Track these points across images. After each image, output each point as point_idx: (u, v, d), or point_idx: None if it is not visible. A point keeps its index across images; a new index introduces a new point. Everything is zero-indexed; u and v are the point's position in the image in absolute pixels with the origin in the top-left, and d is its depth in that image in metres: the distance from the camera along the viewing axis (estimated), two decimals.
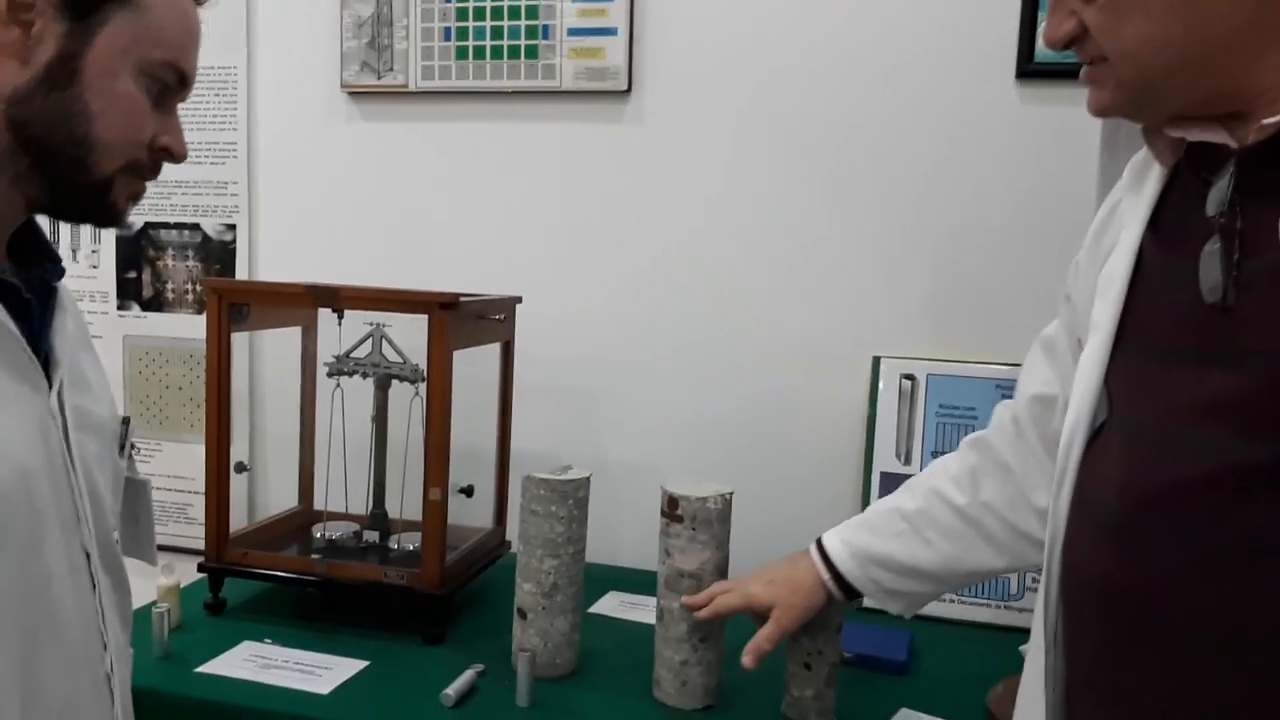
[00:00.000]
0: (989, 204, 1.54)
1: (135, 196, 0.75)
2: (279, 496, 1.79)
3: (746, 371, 1.64)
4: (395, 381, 1.45)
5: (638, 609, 1.47)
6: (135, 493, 0.85)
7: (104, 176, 0.70)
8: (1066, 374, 0.85)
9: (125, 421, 0.82)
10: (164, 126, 0.73)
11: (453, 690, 1.13)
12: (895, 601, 1.09)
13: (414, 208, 1.75)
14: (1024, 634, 1.48)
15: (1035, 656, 0.79)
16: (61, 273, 0.77)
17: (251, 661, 1.22)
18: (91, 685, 0.73)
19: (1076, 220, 1.51)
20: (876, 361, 1.58)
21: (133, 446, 0.85)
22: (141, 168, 0.73)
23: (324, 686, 1.17)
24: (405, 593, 1.30)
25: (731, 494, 1.17)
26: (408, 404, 1.43)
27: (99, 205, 0.72)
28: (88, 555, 0.73)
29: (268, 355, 1.85)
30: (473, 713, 1.12)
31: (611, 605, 1.48)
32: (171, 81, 0.73)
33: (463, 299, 1.28)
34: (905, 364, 1.57)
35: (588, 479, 1.23)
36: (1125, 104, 0.71)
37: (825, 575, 1.08)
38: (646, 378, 1.68)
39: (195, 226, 1.87)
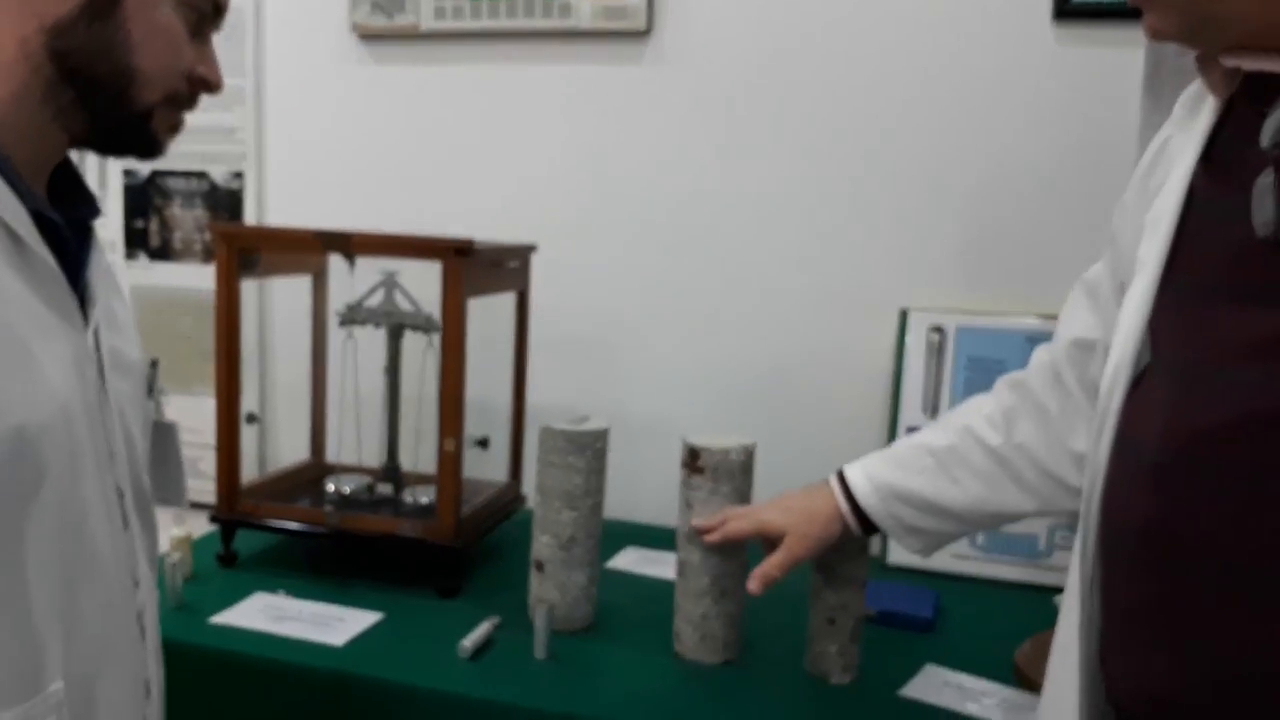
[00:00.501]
0: (1022, 150, 1.48)
1: (174, 128, 0.75)
2: (290, 449, 1.77)
3: (769, 324, 1.60)
4: (408, 331, 1.41)
5: (656, 565, 1.44)
6: (164, 436, 0.87)
7: (145, 107, 0.70)
8: (1109, 318, 0.81)
9: (153, 364, 0.83)
10: (201, 57, 0.73)
11: (469, 642, 1.11)
12: (914, 539, 1.04)
13: (426, 154, 1.71)
14: (1052, 592, 1.47)
15: (1070, 607, 0.76)
16: (98, 213, 0.77)
17: (265, 613, 1.20)
18: (125, 623, 0.74)
19: (1114, 166, 1.46)
20: (904, 314, 1.53)
21: (161, 390, 0.85)
22: (180, 99, 0.73)
23: (338, 638, 1.14)
24: (419, 546, 1.27)
25: (754, 446, 1.13)
26: (420, 355, 1.40)
27: (141, 137, 0.72)
28: (121, 495, 0.73)
29: (276, 305, 1.82)
30: (489, 665, 1.10)
31: (630, 560, 1.46)
32: (208, 10, 0.73)
33: (477, 245, 1.24)
34: (934, 316, 1.52)
35: (606, 431, 1.20)
36: (1182, 30, 0.67)
37: (844, 506, 1.04)
38: (665, 329, 1.64)
39: (203, 175, 1.83)
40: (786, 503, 1.08)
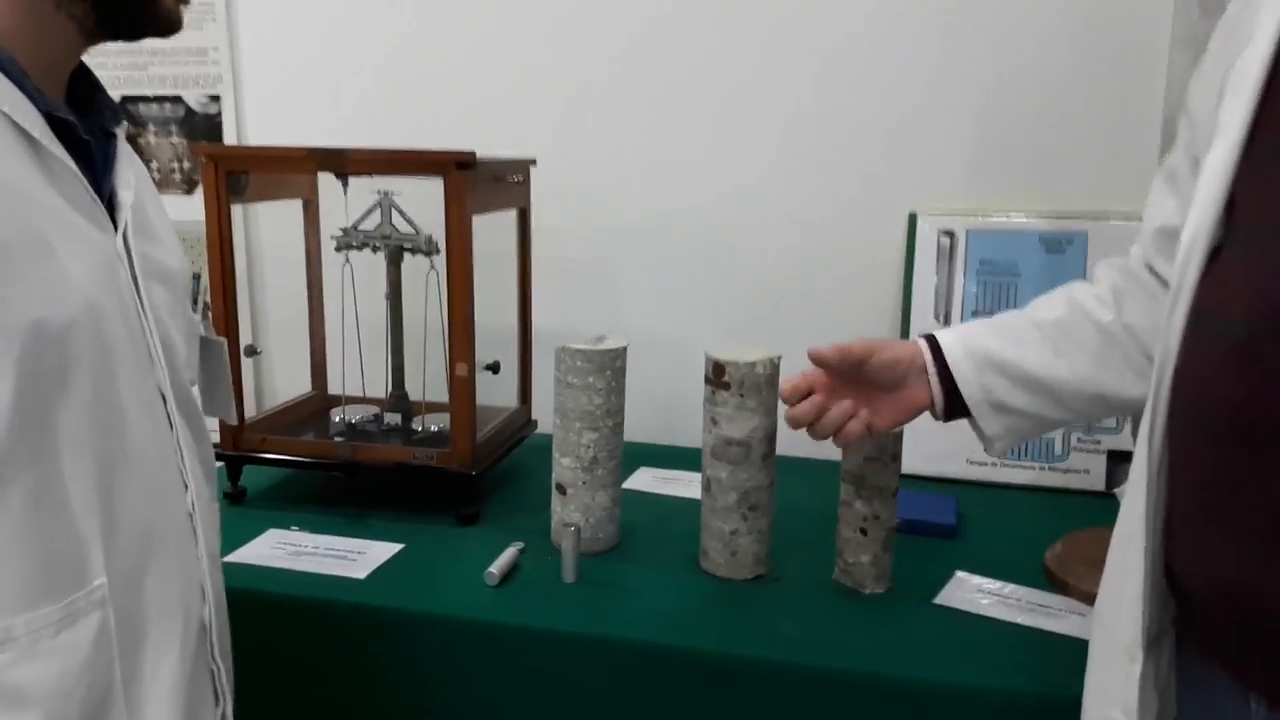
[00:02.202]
0: (1036, 45, 1.43)
1: None
2: (288, 383, 1.72)
3: (774, 233, 1.56)
4: (408, 255, 1.36)
5: (673, 483, 1.42)
6: (211, 352, 0.87)
7: None
8: (1190, 201, 0.77)
9: (196, 278, 0.80)
10: None
11: (496, 569, 1.09)
12: (1000, 421, 0.95)
13: (412, 64, 1.63)
14: (1070, 495, 1.47)
15: (1134, 495, 0.74)
16: (120, 120, 0.76)
17: (280, 549, 1.17)
18: (173, 518, 0.74)
19: (1137, 59, 1.42)
20: (913, 218, 1.50)
21: (206, 305, 0.84)
22: None
23: (360, 571, 1.12)
24: (435, 473, 1.24)
25: (779, 359, 1.10)
26: (422, 279, 1.35)
27: (150, 10, 0.71)
28: (164, 398, 0.74)
29: (264, 233, 1.75)
30: (518, 591, 1.08)
31: (645, 481, 1.44)
32: None
33: (480, 159, 1.18)
34: (944, 219, 1.49)
35: (624, 349, 1.16)
36: None
37: (931, 366, 0.95)
38: (668, 244, 1.60)
39: (177, 99, 1.75)
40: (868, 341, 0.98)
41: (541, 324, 1.52)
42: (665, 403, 1.61)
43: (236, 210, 1.73)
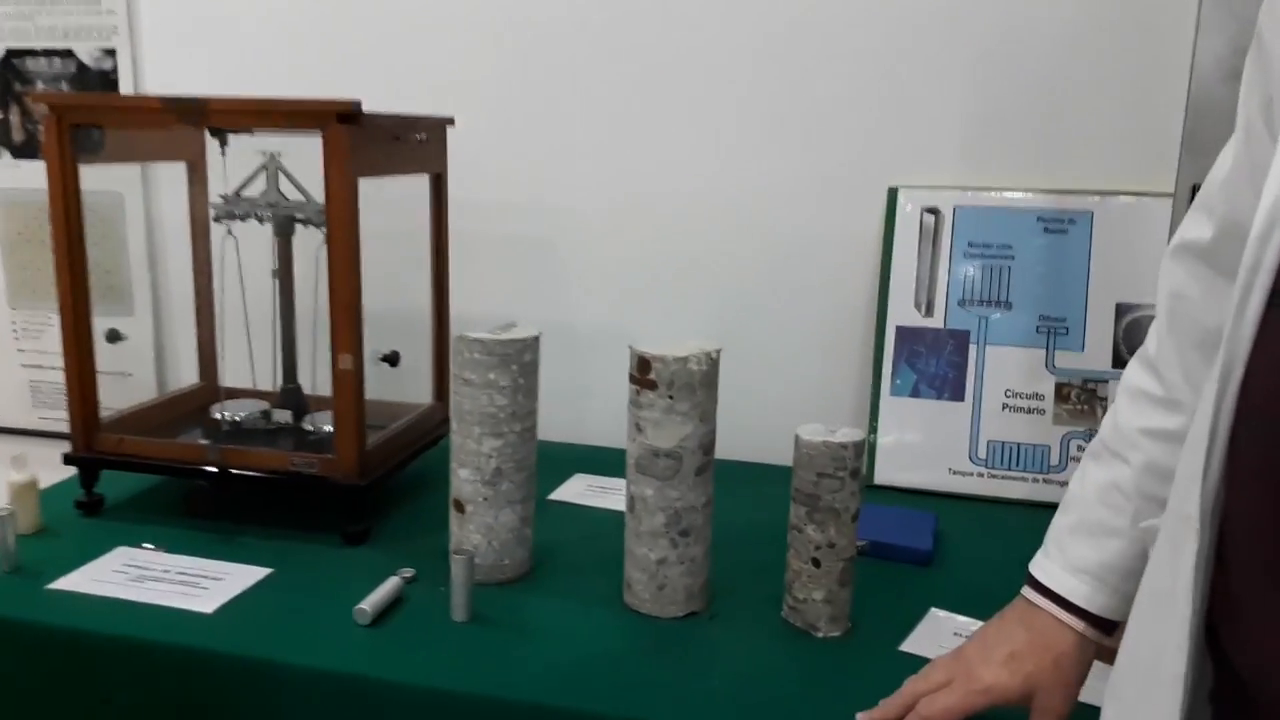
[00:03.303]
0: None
1: None
2: (195, 375, 1.52)
3: (733, 211, 1.36)
4: (300, 227, 1.17)
5: (608, 494, 1.23)
6: None
7: None
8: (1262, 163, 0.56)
9: None
10: None
11: (369, 604, 0.89)
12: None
13: (329, 12, 1.43)
14: None
15: (1177, 540, 0.55)
16: None
17: (122, 574, 0.98)
18: None
19: (1159, 12, 1.22)
20: (892, 193, 1.30)
21: None
22: None
23: (208, 603, 0.93)
24: (318, 484, 1.05)
25: (718, 353, 0.91)
26: (315, 254, 1.15)
27: None
28: None
29: (165, 204, 1.56)
30: (394, 632, 0.89)
31: (577, 490, 1.24)
32: None
33: (369, 112, 0.99)
34: (927, 194, 1.29)
35: (536, 339, 0.97)
36: None
37: (1079, 625, 0.74)
38: (615, 222, 1.40)
39: (68, 53, 1.55)
40: (1002, 646, 0.76)
41: (470, 310, 1.33)
42: (614, 400, 1.41)
43: (132, 177, 1.57)
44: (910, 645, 0.89)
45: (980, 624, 0.92)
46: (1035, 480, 1.24)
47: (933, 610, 0.96)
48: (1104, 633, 0.75)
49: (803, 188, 1.34)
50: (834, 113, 1.31)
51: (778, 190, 1.34)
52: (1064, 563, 0.76)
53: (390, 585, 0.93)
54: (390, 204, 1.29)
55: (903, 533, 1.09)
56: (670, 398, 0.88)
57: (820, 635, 0.90)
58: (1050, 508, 1.23)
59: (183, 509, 1.11)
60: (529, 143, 1.40)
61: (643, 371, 0.89)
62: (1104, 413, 1.22)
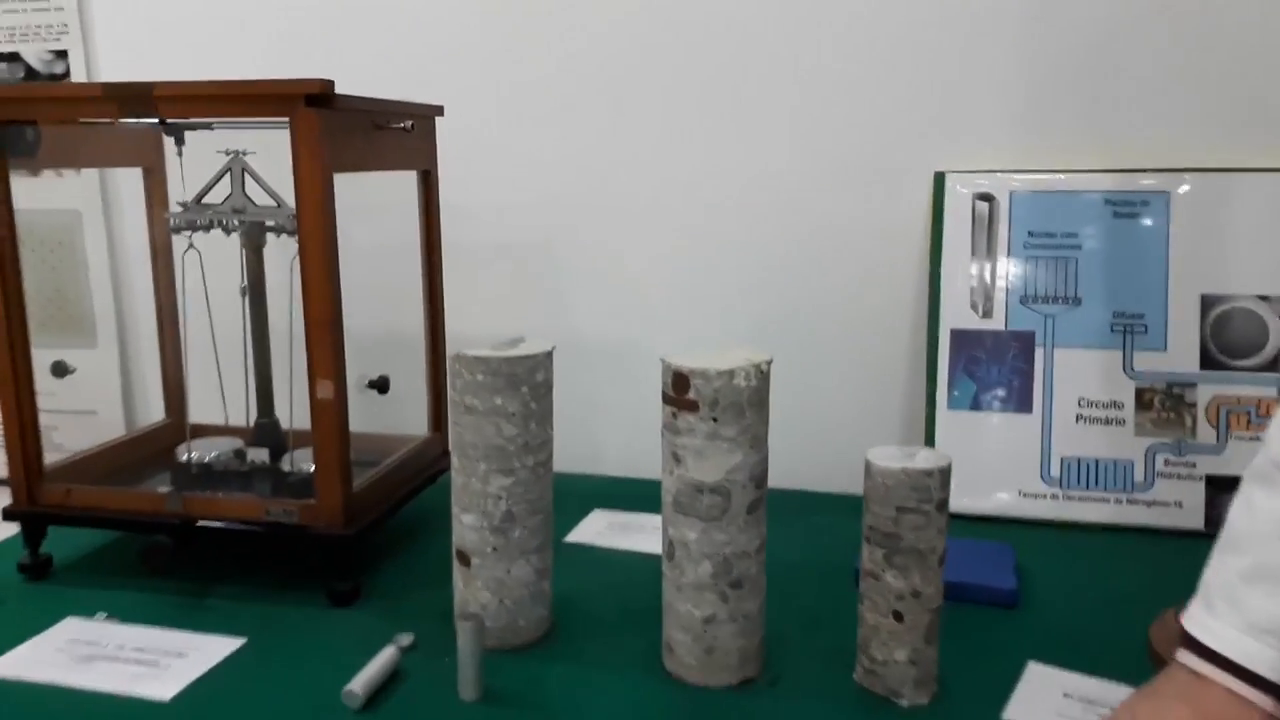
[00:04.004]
0: None
1: None
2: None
3: (759, 204, 1.21)
4: (272, 237, 1.02)
5: (633, 532, 1.08)
6: None
7: None
8: None
9: None
10: None
11: (360, 685, 0.74)
12: None
13: (303, 6, 1.29)
14: (1160, 537, 1.07)
15: None
16: None
17: (67, 651, 0.83)
18: None
19: None
20: (939, 179, 1.16)
21: None
22: None
23: (168, 687, 0.77)
24: (297, 535, 0.90)
25: (769, 364, 0.76)
26: (290, 267, 1.00)
27: None
28: None
29: (128, 224, 1.41)
30: (390, 715, 0.73)
31: (596, 530, 1.09)
32: None
33: (344, 96, 0.84)
34: (980, 179, 1.15)
35: (549, 354, 0.82)
36: None
37: (1268, 703, 0.59)
38: (628, 222, 1.26)
39: (14, 57, 1.40)
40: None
41: (472, 329, 1.18)
42: (632, 423, 1.27)
43: (91, 193, 1.42)
44: (1015, 712, 0.74)
45: (1088, 679, 0.77)
46: (1118, 501, 1.09)
47: (1030, 664, 0.80)
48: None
49: (836, 175, 1.19)
50: (870, 88, 1.16)
51: (809, 179, 1.19)
52: (1238, 620, 0.60)
53: (385, 658, 0.78)
54: (374, 211, 1.14)
55: (979, 569, 0.94)
56: (714, 420, 0.73)
57: (905, 703, 0.75)
58: (1136, 532, 1.10)
59: (141, 569, 0.96)
60: (527, 136, 1.26)
61: (679, 389, 0.74)
62: (1193, 421, 1.08)
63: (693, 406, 0.73)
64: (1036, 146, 1.14)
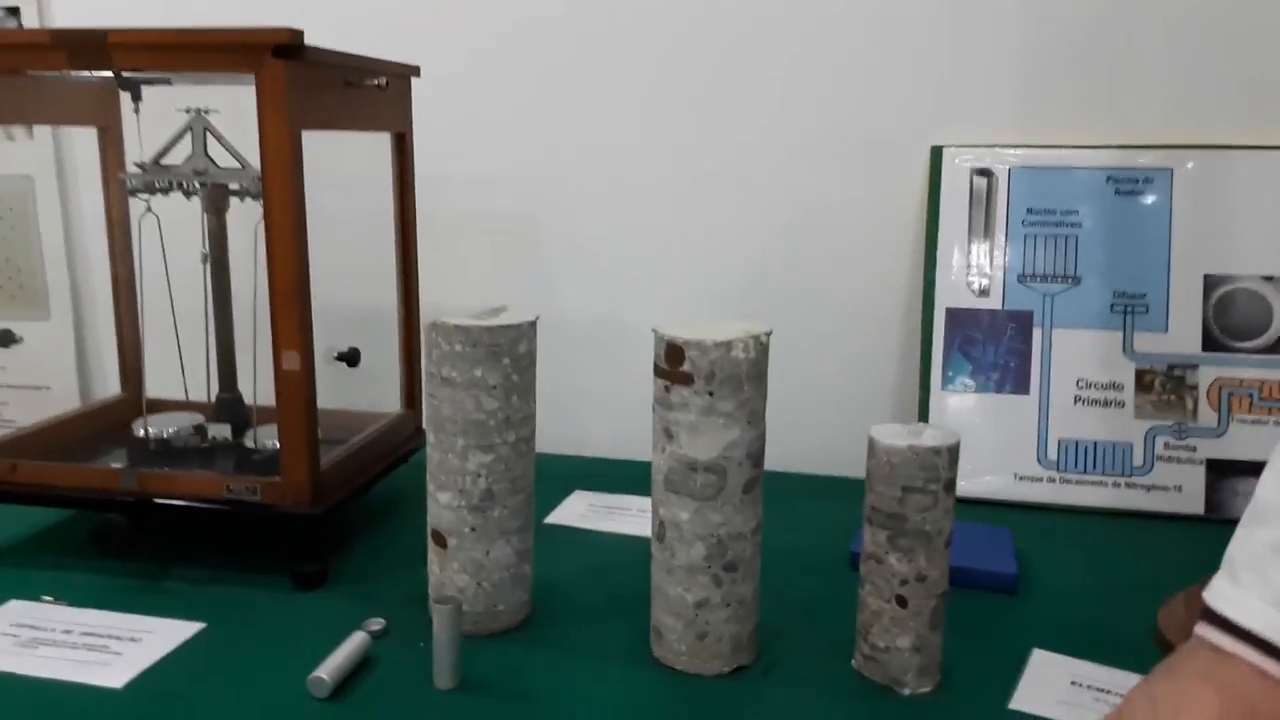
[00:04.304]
0: None
1: None
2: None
3: (749, 178, 1.17)
4: (236, 201, 0.96)
5: (617, 515, 1.03)
6: None
7: None
8: None
9: None
10: None
11: (327, 672, 0.69)
12: None
13: None
14: (1158, 522, 1.02)
15: None
16: None
17: (12, 636, 0.77)
18: None
19: None
20: (936, 153, 1.12)
21: None
22: None
23: (119, 675, 0.72)
24: (261, 514, 0.84)
25: (768, 336, 0.71)
26: (255, 234, 0.95)
27: None
28: None
29: (84, 190, 1.34)
30: (360, 704, 0.68)
31: (578, 512, 1.04)
32: None
33: (313, 48, 0.78)
34: (978, 154, 1.11)
35: (532, 324, 0.77)
36: None
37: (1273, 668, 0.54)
38: (613, 195, 1.21)
39: None
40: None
41: (448, 305, 1.12)
42: (614, 402, 1.22)
43: (45, 157, 1.35)
44: (1022, 701, 0.70)
45: (1099, 668, 0.74)
46: (1116, 485, 1.06)
47: (1035, 652, 0.77)
48: None
49: (830, 148, 1.15)
50: (865, 59, 1.12)
51: (801, 153, 1.15)
52: (1266, 593, 0.55)
53: (354, 644, 0.73)
54: (346, 180, 1.09)
55: (978, 554, 0.90)
56: (710, 394, 0.69)
57: (907, 692, 0.71)
58: (1135, 516, 1.07)
59: (92, 549, 0.90)
60: (507, 105, 1.21)
61: (673, 361, 0.69)
62: (1194, 404, 1.05)
63: (687, 379, 0.69)
64: (1037, 121, 1.10)
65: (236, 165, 0.93)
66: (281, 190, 0.78)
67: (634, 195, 1.20)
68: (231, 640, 0.77)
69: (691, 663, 0.73)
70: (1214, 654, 0.56)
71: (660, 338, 0.70)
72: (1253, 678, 0.54)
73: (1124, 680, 0.73)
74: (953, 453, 0.69)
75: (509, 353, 0.74)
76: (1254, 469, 1.04)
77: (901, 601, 0.70)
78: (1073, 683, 0.73)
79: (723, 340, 0.68)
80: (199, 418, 1.02)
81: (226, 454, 0.97)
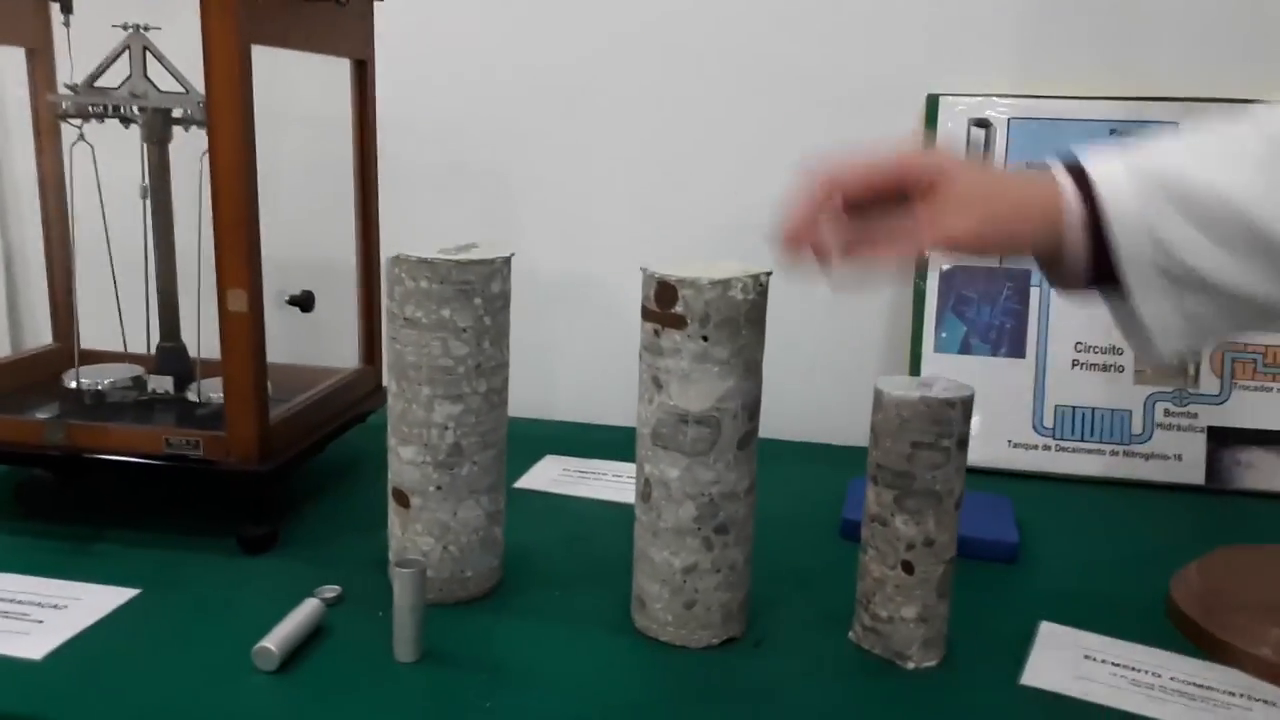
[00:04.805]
0: None
1: None
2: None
3: (734, 127, 1.10)
4: (180, 130, 0.88)
5: (590, 480, 0.97)
6: None
7: None
8: None
9: None
10: None
11: (274, 642, 0.62)
12: (1175, 303, 0.54)
13: None
14: (1157, 492, 0.96)
15: None
16: None
17: None
18: None
19: None
20: (933, 102, 1.06)
21: None
22: None
23: (39, 645, 0.64)
24: (203, 471, 0.77)
25: (768, 277, 0.65)
26: (200, 166, 0.86)
27: None
28: None
29: (11, 119, 1.24)
30: (313, 679, 0.61)
31: (551, 476, 0.98)
32: None
33: None
34: (976, 104, 1.05)
35: (507, 261, 0.70)
36: None
37: (1074, 205, 0.55)
38: (588, 142, 1.14)
39: None
40: (966, 164, 0.61)
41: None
42: (589, 367, 1.16)
43: None
44: (1034, 676, 0.65)
45: (1116, 643, 0.69)
46: (1114, 453, 1.01)
47: (1043, 625, 0.72)
48: (1092, 250, 0.54)
49: (821, 95, 1.08)
50: (860, 9, 1.06)
51: (791, 100, 1.09)
52: (1120, 154, 0.56)
53: (306, 612, 0.66)
54: (300, 117, 1.01)
55: (978, 522, 0.84)
56: (704, 339, 0.62)
57: (911, 666, 0.65)
58: (1133, 486, 1.02)
59: (16, 508, 0.82)
60: (475, 41, 1.13)
61: (664, 302, 0.63)
62: (1196, 369, 1.00)
63: (679, 322, 0.62)
64: (1038, 69, 1.05)
65: (180, 90, 0.85)
66: (228, 109, 0.70)
67: (613, 142, 1.13)
68: (168, 608, 0.70)
69: (678, 634, 0.67)
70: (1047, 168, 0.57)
71: (650, 276, 0.63)
72: (1049, 181, 0.55)
73: (1139, 654, 0.68)
74: (967, 406, 0.63)
75: (481, 292, 0.67)
76: (1256, 438, 1.00)
77: (907, 567, 0.64)
78: (1086, 656, 0.68)
79: (720, 279, 0.62)
80: (138, 369, 0.93)
81: (167, 408, 0.89)
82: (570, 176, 1.14)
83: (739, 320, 0.62)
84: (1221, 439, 0.99)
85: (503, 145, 1.15)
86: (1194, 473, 0.99)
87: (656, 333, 0.63)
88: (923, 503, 0.63)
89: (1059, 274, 0.57)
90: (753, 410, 0.65)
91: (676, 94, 1.11)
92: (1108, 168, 0.55)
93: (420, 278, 0.66)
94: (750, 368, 0.64)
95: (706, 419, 0.63)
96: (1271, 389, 0.99)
